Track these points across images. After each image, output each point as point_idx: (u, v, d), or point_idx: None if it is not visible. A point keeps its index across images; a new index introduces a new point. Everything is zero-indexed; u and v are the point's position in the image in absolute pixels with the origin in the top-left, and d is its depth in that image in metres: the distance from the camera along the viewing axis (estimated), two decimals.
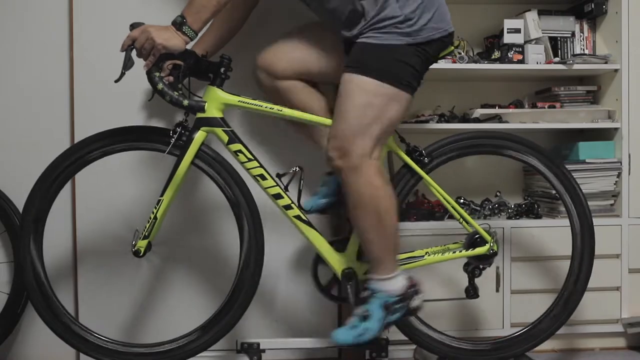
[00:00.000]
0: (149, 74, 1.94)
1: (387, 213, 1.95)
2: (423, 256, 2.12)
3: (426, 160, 2.13)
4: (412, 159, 2.12)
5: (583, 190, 2.24)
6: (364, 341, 1.98)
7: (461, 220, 2.15)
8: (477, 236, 2.15)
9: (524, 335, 2.23)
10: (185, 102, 1.99)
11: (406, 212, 2.57)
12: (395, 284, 2.00)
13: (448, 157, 2.16)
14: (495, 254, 2.14)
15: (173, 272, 2.51)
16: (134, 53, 1.92)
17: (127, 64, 1.91)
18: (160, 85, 1.95)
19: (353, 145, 1.92)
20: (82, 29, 2.45)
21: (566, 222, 2.27)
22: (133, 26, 1.93)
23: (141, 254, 2.04)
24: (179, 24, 1.89)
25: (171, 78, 2.08)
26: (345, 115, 1.94)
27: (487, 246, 2.13)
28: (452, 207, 2.15)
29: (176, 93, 1.98)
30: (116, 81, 1.91)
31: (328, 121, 2.05)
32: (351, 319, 2.02)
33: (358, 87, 1.93)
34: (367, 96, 1.93)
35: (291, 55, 2.14)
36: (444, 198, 2.13)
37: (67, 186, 2.38)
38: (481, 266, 2.16)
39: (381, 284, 1.99)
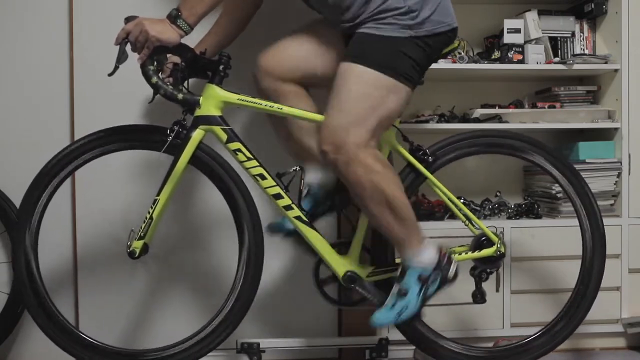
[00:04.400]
0: (143, 67, 1.85)
1: (394, 195, 1.83)
2: None
3: (430, 159, 2.01)
4: (415, 158, 2.00)
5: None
6: (406, 318, 1.88)
7: (466, 221, 2.03)
8: (483, 238, 2.03)
9: (534, 341, 2.09)
10: (180, 96, 1.89)
11: None
12: (426, 255, 1.88)
13: (452, 156, 2.05)
14: (502, 255, 2.02)
15: (173, 276, 2.44)
16: (128, 47, 1.84)
17: (121, 58, 1.83)
18: (154, 79, 1.86)
19: (348, 136, 1.79)
20: (82, 29, 2.39)
21: (566, 222, 2.19)
22: (128, 19, 1.84)
23: (136, 255, 1.92)
24: (173, 17, 1.81)
25: (171, 79, 1.97)
26: (341, 106, 1.81)
27: (494, 248, 2.01)
28: (458, 208, 2.03)
29: (170, 87, 1.88)
30: (110, 74, 1.83)
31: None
32: (388, 299, 1.90)
33: (356, 77, 1.81)
34: (365, 87, 1.81)
35: (295, 54, 2.02)
36: (449, 199, 2.01)
37: (67, 188, 2.35)
38: (488, 270, 2.04)
39: (413, 258, 1.88)
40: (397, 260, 2.00)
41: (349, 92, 1.82)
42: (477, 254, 2.02)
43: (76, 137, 2.33)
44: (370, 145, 1.82)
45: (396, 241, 1.91)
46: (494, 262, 2.03)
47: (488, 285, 2.10)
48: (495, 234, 2.04)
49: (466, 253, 2.03)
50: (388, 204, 1.83)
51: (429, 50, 1.87)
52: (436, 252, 1.91)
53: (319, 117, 1.95)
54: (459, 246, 2.05)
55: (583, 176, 2.13)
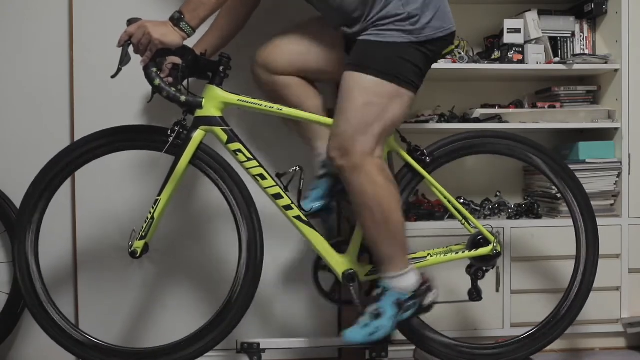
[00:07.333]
0: (146, 69, 1.89)
1: (391, 211, 1.88)
2: (426, 257, 2.05)
3: (428, 160, 2.05)
4: (413, 158, 2.05)
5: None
6: (376, 340, 1.90)
7: (463, 221, 2.07)
8: (480, 237, 2.08)
9: (529, 339, 2.14)
10: (183, 98, 1.93)
11: (406, 212, 2.50)
12: (407, 280, 1.92)
13: (450, 157, 2.09)
14: (498, 254, 2.07)
15: (173, 275, 2.46)
16: (131, 49, 1.87)
17: (124, 60, 1.86)
18: (157, 81, 1.90)
19: (354, 144, 1.84)
20: (82, 29, 2.40)
21: (566, 222, 2.20)
22: (130, 22, 1.87)
23: (138, 255, 1.97)
24: (176, 20, 1.84)
25: (171, 79, 2.02)
26: (346, 115, 1.87)
27: (490, 247, 2.06)
28: (454, 208, 2.07)
29: (173, 89, 1.92)
30: (113, 77, 1.86)
31: (327, 120, 1.98)
32: (362, 317, 1.93)
33: (359, 86, 1.86)
34: (367, 95, 1.86)
35: (290, 50, 2.08)
36: (446, 198, 2.05)
37: (67, 188, 2.37)
38: (484, 268, 2.08)
39: (393, 281, 1.92)
40: None
41: (354, 101, 1.86)
42: (473, 253, 2.06)
43: (76, 137, 2.35)
44: (376, 155, 1.87)
45: (382, 258, 1.93)
46: (490, 260, 2.07)
47: (488, 286, 2.13)
48: (491, 233, 2.07)
49: (463, 252, 2.06)
50: (384, 219, 1.87)
51: (429, 54, 1.92)
52: (417, 279, 1.95)
53: (320, 118, 2.00)
54: (456, 244, 2.09)
55: (583, 176, 2.16)
